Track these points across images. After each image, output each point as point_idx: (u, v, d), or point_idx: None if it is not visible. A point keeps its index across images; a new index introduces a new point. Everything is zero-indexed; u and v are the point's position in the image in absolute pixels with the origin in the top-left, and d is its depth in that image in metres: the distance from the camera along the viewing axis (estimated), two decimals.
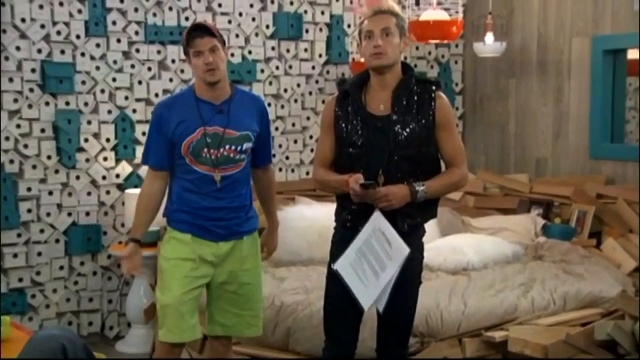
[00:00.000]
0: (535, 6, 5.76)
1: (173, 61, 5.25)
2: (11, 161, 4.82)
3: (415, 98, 3.07)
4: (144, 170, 5.20)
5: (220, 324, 3.42)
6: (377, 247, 3.02)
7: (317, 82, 5.78)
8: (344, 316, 3.17)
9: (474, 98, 6.30)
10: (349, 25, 5.80)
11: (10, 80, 4.79)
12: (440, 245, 4.74)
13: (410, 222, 3.05)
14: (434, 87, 3.11)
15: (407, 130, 3.03)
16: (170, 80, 5.27)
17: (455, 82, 6.31)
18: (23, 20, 4.80)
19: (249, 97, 3.44)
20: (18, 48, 4.80)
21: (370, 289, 3.01)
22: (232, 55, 5.43)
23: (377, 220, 3.01)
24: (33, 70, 4.85)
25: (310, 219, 4.86)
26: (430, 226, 3.25)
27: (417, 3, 5.23)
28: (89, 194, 5.07)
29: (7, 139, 4.80)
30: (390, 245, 3.00)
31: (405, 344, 3.27)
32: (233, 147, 3.26)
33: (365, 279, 3.02)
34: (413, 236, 3.08)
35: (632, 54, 5.35)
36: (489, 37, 5.47)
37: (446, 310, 3.88)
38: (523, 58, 5.85)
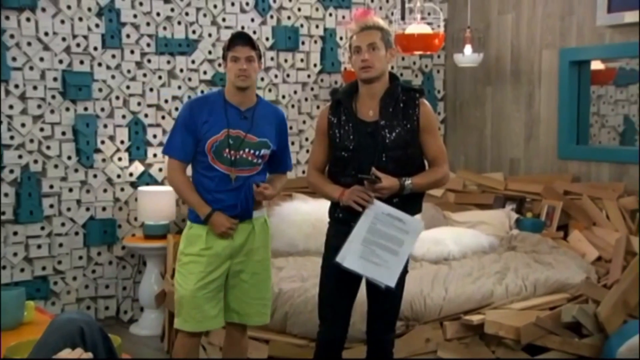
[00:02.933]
0: (509, 21, 5.76)
1: (181, 70, 5.24)
2: (35, 161, 4.81)
3: (401, 105, 3.05)
4: (155, 170, 5.20)
5: (236, 311, 3.34)
6: (385, 229, 2.97)
7: (312, 89, 5.76)
8: (337, 303, 3.17)
9: (454, 104, 6.30)
10: (341, 38, 5.79)
11: (35, 88, 4.77)
12: (424, 237, 4.53)
13: None
14: (418, 95, 3.08)
15: (394, 134, 3.02)
16: (179, 87, 5.24)
17: (437, 90, 6.29)
18: (46, 33, 4.78)
19: (271, 108, 3.36)
20: (42, 59, 4.78)
21: (392, 268, 2.96)
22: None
23: (377, 207, 2.97)
24: (55, 79, 4.83)
25: (305, 213, 4.82)
26: None
27: (403, 18, 5.24)
28: (105, 191, 5.05)
29: (31, 141, 4.78)
30: (403, 221, 2.98)
31: (393, 327, 3.27)
32: (252, 151, 3.20)
33: (383, 262, 2.96)
34: None
35: (595, 65, 5.36)
36: (468, 49, 5.47)
37: (429, 296, 3.88)
38: (498, 68, 5.85)
